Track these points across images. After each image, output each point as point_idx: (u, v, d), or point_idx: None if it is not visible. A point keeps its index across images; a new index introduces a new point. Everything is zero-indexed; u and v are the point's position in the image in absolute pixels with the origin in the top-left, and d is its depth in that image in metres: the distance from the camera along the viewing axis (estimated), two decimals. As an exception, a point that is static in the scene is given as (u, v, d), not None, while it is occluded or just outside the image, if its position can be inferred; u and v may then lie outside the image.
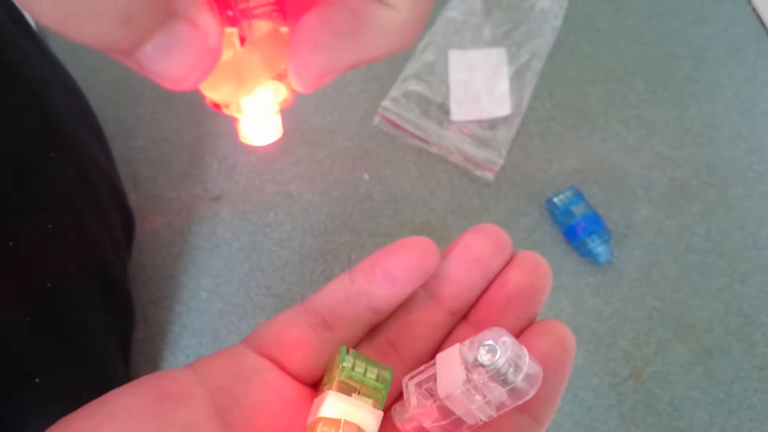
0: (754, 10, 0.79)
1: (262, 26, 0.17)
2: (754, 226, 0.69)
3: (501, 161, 0.69)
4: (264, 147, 0.36)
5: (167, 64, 0.15)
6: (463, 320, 0.28)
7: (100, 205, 0.53)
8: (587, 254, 0.66)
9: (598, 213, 0.67)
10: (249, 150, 0.71)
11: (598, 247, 0.65)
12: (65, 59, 0.71)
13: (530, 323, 0.26)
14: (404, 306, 0.27)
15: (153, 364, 0.63)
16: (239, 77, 0.17)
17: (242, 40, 0.17)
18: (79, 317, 0.47)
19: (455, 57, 0.73)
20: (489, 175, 0.70)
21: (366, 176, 0.70)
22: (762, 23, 0.78)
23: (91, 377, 0.48)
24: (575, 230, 0.66)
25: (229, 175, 0.70)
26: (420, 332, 0.27)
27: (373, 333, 0.27)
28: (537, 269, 0.27)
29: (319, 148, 0.71)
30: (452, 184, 0.70)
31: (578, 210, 0.66)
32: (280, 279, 0.66)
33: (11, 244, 0.40)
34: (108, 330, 0.53)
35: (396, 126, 0.71)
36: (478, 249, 0.26)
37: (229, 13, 0.17)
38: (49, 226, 0.43)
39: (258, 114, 0.18)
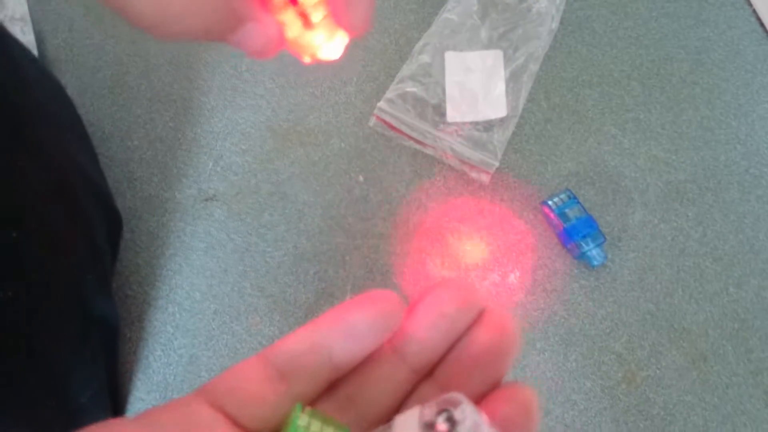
0: (754, 12, 0.79)
1: (319, 14, 0.27)
2: (750, 230, 0.69)
3: (496, 163, 0.69)
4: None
5: (248, 46, 0.24)
6: (428, 378, 0.27)
7: (77, 210, 0.52)
8: (581, 257, 0.66)
9: (592, 216, 0.67)
10: (244, 150, 0.71)
11: (593, 251, 0.65)
12: (61, 58, 0.72)
13: (495, 385, 0.25)
14: (366, 360, 0.26)
15: (146, 365, 0.63)
16: (307, 50, 0.27)
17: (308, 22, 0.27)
18: (38, 336, 0.46)
19: (451, 59, 0.73)
20: (484, 177, 0.70)
21: (361, 177, 0.70)
22: (762, 25, 0.78)
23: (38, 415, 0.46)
24: (570, 233, 0.66)
25: (224, 175, 0.70)
26: (381, 388, 0.26)
27: (333, 387, 0.26)
28: (505, 330, 0.26)
29: (314, 149, 0.71)
30: (447, 186, 0.70)
31: (572, 213, 0.66)
32: (273, 280, 0.66)
33: None
34: (80, 358, 0.51)
35: (391, 127, 0.71)
36: (444, 305, 0.26)
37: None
38: (14, 235, 0.42)
39: (330, 48, 0.28)
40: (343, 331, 0.24)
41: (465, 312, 0.26)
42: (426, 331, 0.26)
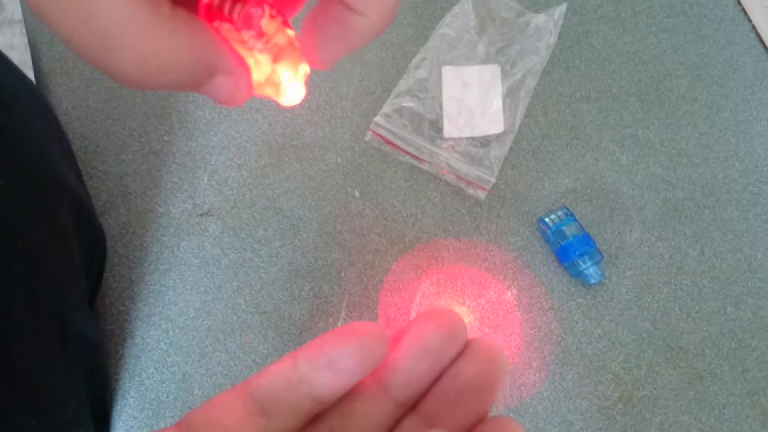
0: (753, 28, 0.78)
1: (281, 40, 0.25)
2: (749, 248, 0.69)
3: (493, 179, 0.69)
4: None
5: (219, 96, 0.24)
6: (412, 411, 0.26)
7: (60, 228, 0.51)
8: (578, 275, 0.66)
9: (589, 234, 0.66)
10: (239, 164, 0.70)
11: (589, 269, 0.65)
12: (56, 71, 0.71)
13: (481, 419, 0.25)
14: (349, 393, 0.25)
15: (139, 382, 0.63)
16: (274, 83, 0.26)
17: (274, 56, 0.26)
18: (20, 356, 0.45)
19: (449, 73, 0.72)
20: (481, 194, 0.69)
21: (357, 193, 0.70)
22: (761, 41, 0.78)
23: None
24: (566, 251, 0.65)
25: (219, 189, 0.69)
26: (364, 422, 0.26)
27: (314, 420, 0.26)
28: (491, 362, 0.25)
29: (310, 164, 0.71)
30: (444, 202, 0.70)
31: (569, 231, 0.65)
32: (268, 296, 0.66)
33: None
34: (62, 377, 0.51)
35: (388, 142, 0.71)
36: (430, 337, 0.25)
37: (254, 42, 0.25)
38: None
39: (293, 89, 0.27)
40: (325, 363, 0.24)
41: (451, 344, 0.25)
42: (410, 363, 0.25)
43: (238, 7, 0.24)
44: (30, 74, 0.72)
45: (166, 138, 0.71)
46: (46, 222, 0.49)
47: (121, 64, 0.20)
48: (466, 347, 0.25)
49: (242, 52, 0.25)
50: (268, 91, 0.27)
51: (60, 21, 0.20)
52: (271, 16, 0.25)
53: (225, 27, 0.24)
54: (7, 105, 0.48)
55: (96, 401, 0.60)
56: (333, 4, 0.23)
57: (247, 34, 0.24)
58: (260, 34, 0.25)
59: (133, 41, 0.20)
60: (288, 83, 0.27)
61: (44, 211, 0.49)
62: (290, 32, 0.26)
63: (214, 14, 0.24)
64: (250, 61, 0.25)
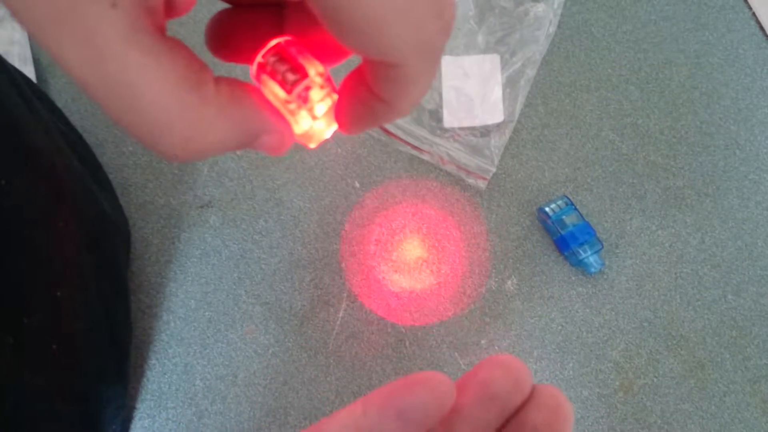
0: (753, 15, 0.78)
1: (324, 106, 0.26)
2: (749, 236, 0.68)
3: (493, 169, 0.69)
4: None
5: (263, 151, 0.25)
6: None
7: (103, 254, 0.55)
8: (579, 264, 0.66)
9: (589, 223, 0.66)
10: (239, 156, 0.70)
11: (590, 257, 0.65)
12: (56, 64, 0.71)
13: None
14: None
15: (141, 373, 0.63)
16: (307, 135, 0.27)
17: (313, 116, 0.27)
18: (80, 378, 0.49)
19: (448, 63, 0.72)
20: (481, 183, 0.69)
21: (357, 183, 0.70)
22: (762, 29, 0.77)
23: None
24: (567, 240, 0.65)
25: (219, 181, 0.69)
26: None
27: None
28: (558, 410, 0.25)
29: (310, 155, 0.71)
30: (444, 192, 0.70)
31: (570, 220, 0.65)
32: (269, 287, 0.66)
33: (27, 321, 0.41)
34: (114, 392, 0.56)
35: (388, 133, 0.71)
36: (496, 385, 0.25)
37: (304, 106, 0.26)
38: (58, 294, 0.44)
39: (322, 137, 0.29)
40: (395, 414, 0.24)
41: (517, 391, 0.25)
42: (477, 411, 0.25)
43: (290, 77, 0.25)
44: (30, 68, 0.72)
45: (165, 130, 0.71)
46: (94, 254, 0.52)
47: (169, 148, 0.21)
48: (531, 394, 0.26)
49: (285, 110, 0.26)
50: (301, 139, 0.28)
51: (109, 104, 0.19)
52: (321, 87, 0.26)
53: (272, 84, 0.25)
54: (55, 143, 0.51)
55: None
56: (362, 89, 0.23)
57: (294, 102, 0.25)
58: (305, 101, 0.26)
59: (181, 127, 0.20)
60: (319, 133, 0.28)
61: (93, 244, 0.52)
62: (334, 96, 0.26)
63: (266, 73, 0.25)
64: (291, 119, 0.26)
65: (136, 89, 0.19)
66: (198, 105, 0.21)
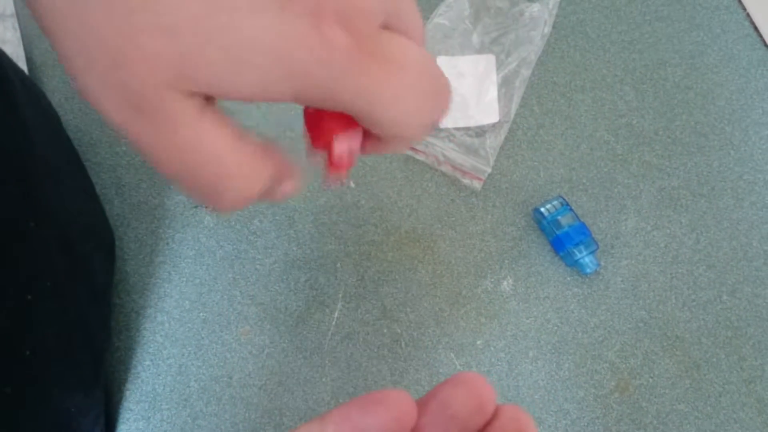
0: (748, 16, 0.78)
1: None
2: (744, 237, 0.69)
3: (488, 170, 0.69)
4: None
5: (283, 198, 0.28)
6: None
7: (78, 258, 0.53)
8: (574, 264, 0.66)
9: (585, 223, 0.66)
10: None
11: (585, 258, 0.65)
12: (49, 63, 0.71)
13: None
14: None
15: (135, 374, 0.62)
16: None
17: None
18: (54, 387, 0.48)
19: (444, 63, 0.72)
20: (476, 184, 0.69)
21: (352, 183, 0.70)
22: (756, 29, 0.77)
23: None
24: (562, 240, 0.65)
25: (213, 182, 0.69)
26: None
27: None
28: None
29: (304, 155, 0.71)
30: (439, 193, 0.70)
31: (565, 220, 0.65)
32: (264, 288, 0.66)
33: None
34: (91, 400, 0.55)
35: (383, 133, 0.71)
36: (457, 405, 0.25)
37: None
38: (29, 297, 0.43)
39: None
40: None
41: (479, 412, 0.25)
42: (438, 431, 0.25)
43: (333, 144, 0.29)
44: (23, 67, 0.71)
45: (160, 130, 0.71)
46: (68, 256, 0.51)
47: (228, 198, 0.24)
48: (494, 415, 0.25)
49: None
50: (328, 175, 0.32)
51: (178, 168, 0.23)
52: (352, 152, 0.30)
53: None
54: (26, 133, 0.50)
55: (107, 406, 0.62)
56: (367, 133, 0.27)
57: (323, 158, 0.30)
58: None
59: (237, 176, 0.24)
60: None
61: (66, 247, 0.51)
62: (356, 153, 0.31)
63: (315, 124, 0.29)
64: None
65: (203, 150, 0.23)
66: (249, 155, 0.24)
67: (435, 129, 0.28)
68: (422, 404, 0.25)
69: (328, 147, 0.30)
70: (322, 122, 0.30)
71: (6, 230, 0.43)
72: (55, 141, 0.61)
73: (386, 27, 0.25)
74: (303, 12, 0.21)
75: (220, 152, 0.23)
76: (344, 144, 0.31)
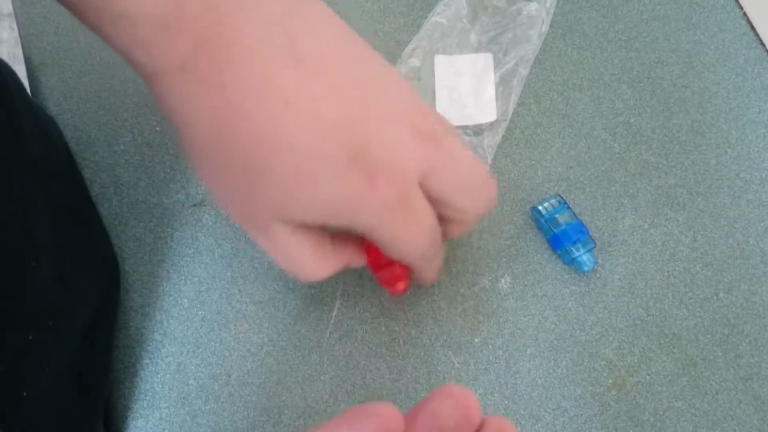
0: (744, 15, 0.78)
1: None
2: (741, 235, 0.69)
3: (486, 168, 0.69)
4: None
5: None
6: None
7: (74, 286, 0.53)
8: (572, 263, 0.66)
9: (582, 221, 0.66)
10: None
11: (583, 256, 0.65)
12: (47, 62, 0.71)
13: None
14: None
15: (133, 373, 0.63)
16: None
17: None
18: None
19: (441, 62, 0.72)
20: (474, 182, 0.69)
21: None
22: (753, 28, 0.78)
23: None
24: (559, 238, 0.65)
25: (212, 180, 0.69)
26: None
27: None
28: None
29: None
30: (437, 191, 0.70)
31: (562, 218, 0.66)
32: (262, 286, 0.66)
33: None
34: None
35: (381, 132, 0.71)
36: (444, 417, 0.25)
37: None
38: (30, 337, 0.43)
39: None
40: None
41: (465, 424, 0.25)
42: None
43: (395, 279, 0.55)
44: (21, 66, 0.71)
45: (158, 128, 0.71)
46: (64, 285, 0.52)
47: (305, 279, 0.45)
48: (480, 427, 0.25)
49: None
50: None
51: (276, 259, 0.44)
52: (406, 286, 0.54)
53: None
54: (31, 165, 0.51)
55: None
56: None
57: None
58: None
59: (313, 269, 0.44)
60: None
61: (65, 283, 0.53)
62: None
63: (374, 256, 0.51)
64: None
65: (289, 256, 0.42)
66: (320, 258, 0.43)
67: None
68: (411, 416, 0.26)
69: (389, 285, 0.55)
70: (383, 267, 0.52)
71: (8, 269, 0.43)
72: (61, 176, 0.61)
73: (423, 182, 0.39)
74: (362, 175, 0.35)
75: (299, 257, 0.41)
76: (402, 285, 0.54)
